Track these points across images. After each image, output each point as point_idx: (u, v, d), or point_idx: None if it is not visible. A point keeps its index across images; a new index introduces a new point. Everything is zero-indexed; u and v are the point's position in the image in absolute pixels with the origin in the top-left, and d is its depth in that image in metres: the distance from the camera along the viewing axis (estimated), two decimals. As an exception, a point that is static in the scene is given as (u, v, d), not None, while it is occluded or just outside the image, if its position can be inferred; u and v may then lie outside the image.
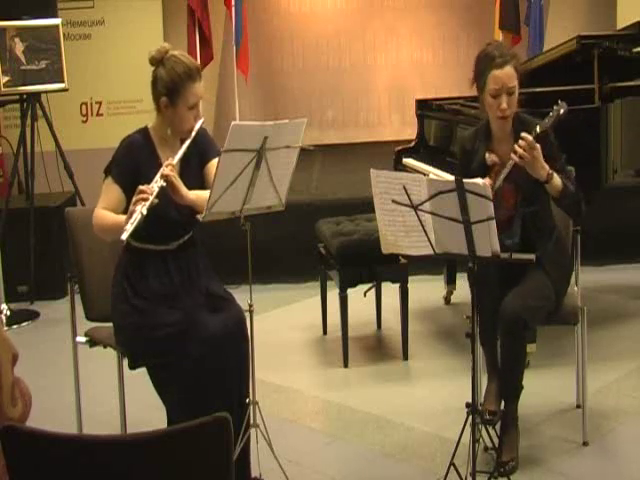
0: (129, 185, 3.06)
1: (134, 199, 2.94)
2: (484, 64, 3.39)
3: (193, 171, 3.19)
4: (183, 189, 3.02)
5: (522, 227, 3.39)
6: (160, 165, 3.06)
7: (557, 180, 3.27)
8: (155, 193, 2.93)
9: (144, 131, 3.20)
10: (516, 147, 3.19)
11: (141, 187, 2.94)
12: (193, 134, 3.11)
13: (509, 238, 3.34)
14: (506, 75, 3.34)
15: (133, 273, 3.16)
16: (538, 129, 3.20)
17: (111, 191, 3.10)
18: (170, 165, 3.01)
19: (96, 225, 3.10)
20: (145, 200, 2.90)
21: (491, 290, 3.38)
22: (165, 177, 2.97)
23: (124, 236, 2.88)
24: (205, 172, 3.20)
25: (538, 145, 3.18)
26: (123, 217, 2.96)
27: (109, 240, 3.14)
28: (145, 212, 2.89)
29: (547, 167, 3.23)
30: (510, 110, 3.37)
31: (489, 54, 3.39)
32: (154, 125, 3.20)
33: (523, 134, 3.19)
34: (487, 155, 3.43)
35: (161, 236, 3.16)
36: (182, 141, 3.14)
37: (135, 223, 2.88)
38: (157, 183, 2.97)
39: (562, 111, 3.18)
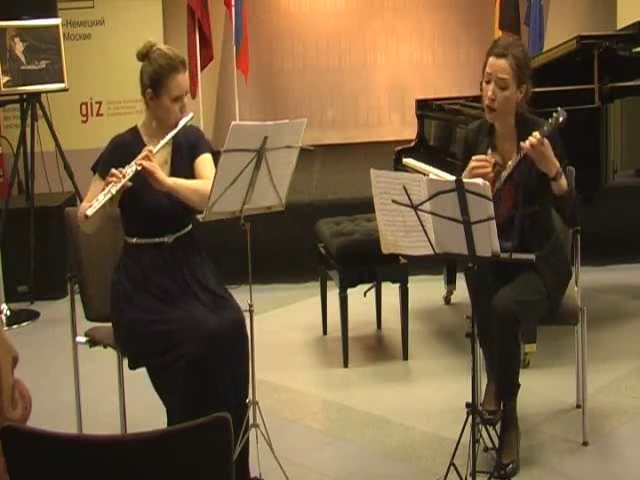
0: None
1: (106, 180, 3.00)
2: (488, 50, 3.43)
3: (184, 166, 3.21)
4: (160, 174, 3.05)
5: (521, 228, 3.37)
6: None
7: (564, 180, 3.26)
8: (129, 176, 2.98)
9: (133, 130, 3.25)
10: (528, 140, 3.16)
11: (113, 170, 2.99)
12: (179, 126, 3.14)
13: (507, 241, 3.22)
14: (498, 66, 3.33)
15: (133, 271, 3.16)
16: (538, 134, 3.17)
17: (96, 186, 3.13)
18: (147, 150, 3.05)
19: (78, 215, 3.14)
20: (116, 182, 2.96)
21: (487, 292, 3.37)
22: (139, 164, 3.01)
23: (89, 211, 2.96)
24: (195, 167, 3.22)
25: (547, 142, 3.16)
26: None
27: (89, 231, 3.16)
28: (114, 192, 2.95)
29: (557, 164, 3.22)
30: (498, 104, 3.34)
31: (496, 42, 3.45)
32: (143, 122, 3.25)
33: (534, 133, 3.16)
34: (489, 154, 3.42)
35: (157, 229, 3.18)
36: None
37: (103, 201, 2.94)
38: (132, 167, 3.01)
39: (561, 119, 3.14)
